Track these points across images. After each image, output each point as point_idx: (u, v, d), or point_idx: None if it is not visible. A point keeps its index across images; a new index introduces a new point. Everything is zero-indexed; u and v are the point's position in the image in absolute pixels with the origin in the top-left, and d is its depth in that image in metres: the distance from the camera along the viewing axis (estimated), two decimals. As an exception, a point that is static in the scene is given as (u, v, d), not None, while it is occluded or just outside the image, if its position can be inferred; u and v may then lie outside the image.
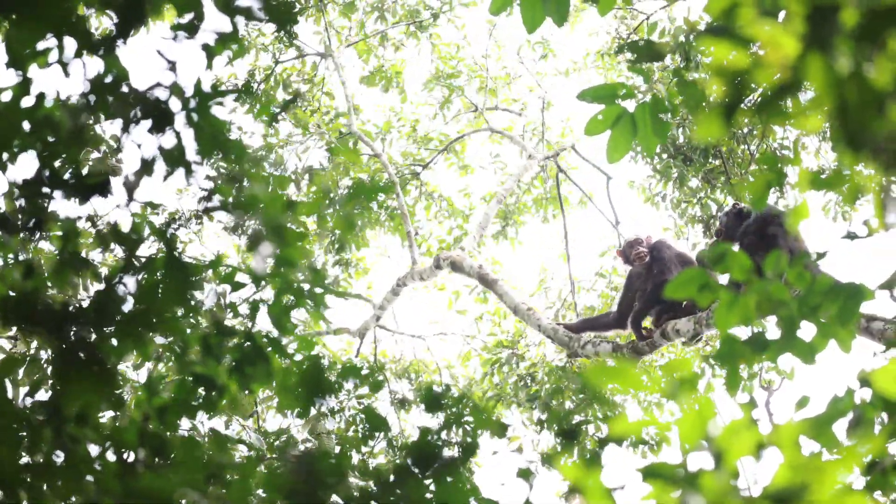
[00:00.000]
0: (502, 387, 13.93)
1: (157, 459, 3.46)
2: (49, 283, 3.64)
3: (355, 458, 3.43)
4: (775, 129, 13.01)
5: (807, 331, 3.33)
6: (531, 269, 15.93)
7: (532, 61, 17.37)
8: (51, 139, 3.59)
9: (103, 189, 3.69)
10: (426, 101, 17.33)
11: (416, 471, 3.29)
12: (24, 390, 3.82)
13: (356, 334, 14.78)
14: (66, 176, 3.62)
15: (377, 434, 3.42)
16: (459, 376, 15.76)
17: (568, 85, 17.53)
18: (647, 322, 10.45)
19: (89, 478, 3.32)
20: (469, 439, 3.36)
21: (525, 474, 3.21)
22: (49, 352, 3.55)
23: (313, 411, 3.60)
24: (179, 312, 3.56)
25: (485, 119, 16.84)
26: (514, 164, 16.87)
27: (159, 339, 3.62)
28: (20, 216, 3.63)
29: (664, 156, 13.48)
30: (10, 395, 3.68)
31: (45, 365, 3.95)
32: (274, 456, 3.51)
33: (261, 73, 15.69)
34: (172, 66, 3.70)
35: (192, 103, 3.66)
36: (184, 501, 3.30)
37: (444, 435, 3.33)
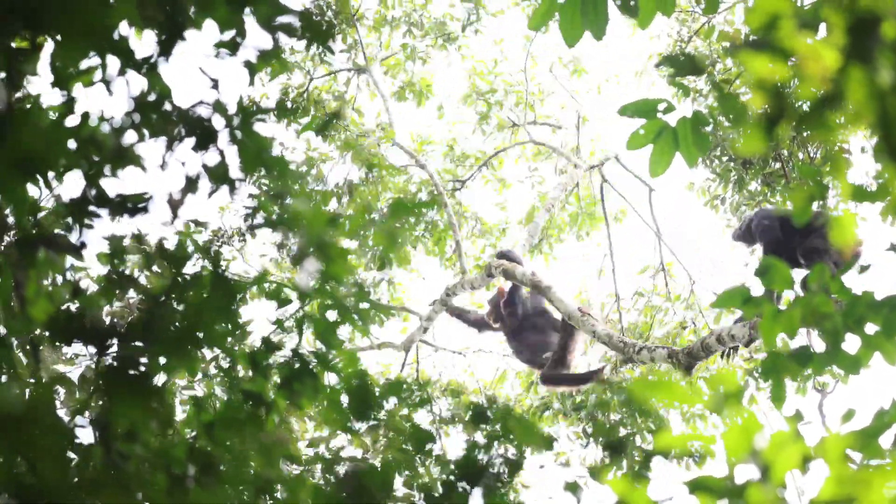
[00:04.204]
0: (548, 398, 13.91)
1: (205, 475, 3.49)
2: (97, 302, 3.67)
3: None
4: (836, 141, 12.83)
5: (852, 343, 3.34)
6: (567, 287, 15.87)
7: (565, 78, 17.37)
8: (96, 158, 3.63)
9: (146, 207, 3.73)
10: (462, 118, 17.30)
11: (463, 486, 3.32)
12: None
13: (401, 348, 14.68)
14: (112, 194, 3.65)
15: (425, 448, 3.44)
16: (497, 397, 15.68)
17: (602, 101, 17.53)
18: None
19: (139, 494, 3.35)
20: (515, 453, 3.37)
21: (573, 488, 3.23)
22: (97, 370, 3.59)
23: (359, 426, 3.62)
24: (225, 329, 3.59)
25: (526, 131, 16.79)
26: (551, 179, 16.81)
27: (207, 356, 3.65)
28: (67, 235, 3.66)
29: (724, 158, 13.44)
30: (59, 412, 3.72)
31: (92, 385, 3.98)
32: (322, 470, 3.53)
33: (293, 90, 15.71)
34: (215, 84, 3.73)
35: (236, 120, 3.69)
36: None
37: (490, 450, 3.35)
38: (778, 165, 13.26)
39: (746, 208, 13.54)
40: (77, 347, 3.81)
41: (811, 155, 13.13)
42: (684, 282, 14.70)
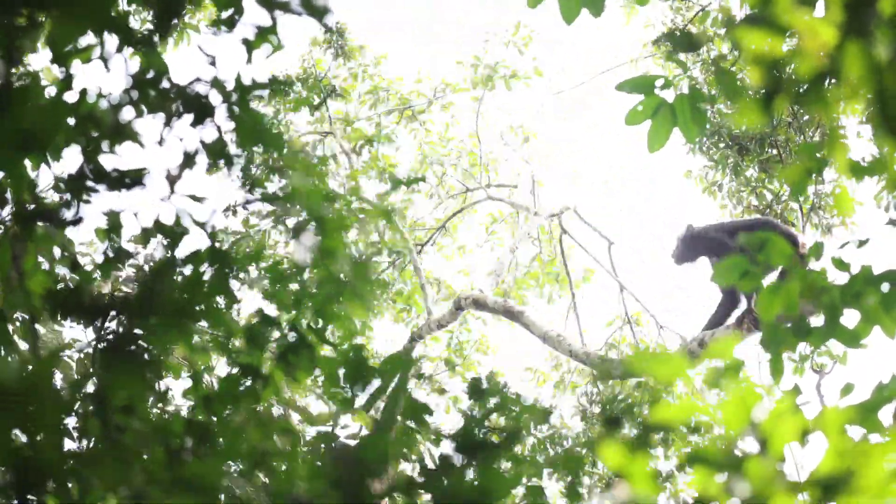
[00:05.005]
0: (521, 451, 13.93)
1: (202, 448, 3.49)
2: (95, 276, 3.68)
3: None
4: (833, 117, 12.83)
5: (851, 317, 3.35)
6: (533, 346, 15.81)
7: (516, 144, 17.36)
8: (94, 134, 3.63)
9: (142, 182, 3.72)
10: (416, 188, 17.16)
11: (460, 458, 3.31)
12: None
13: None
14: (109, 170, 3.65)
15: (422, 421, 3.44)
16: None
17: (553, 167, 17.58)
18: None
19: (136, 467, 3.35)
20: (511, 426, 3.37)
21: (574, 462, 3.23)
22: (94, 343, 3.59)
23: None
24: (222, 303, 3.59)
25: (484, 190, 16.68)
26: (509, 242, 16.65)
27: (204, 329, 3.65)
28: (65, 210, 3.66)
29: (720, 145, 13.47)
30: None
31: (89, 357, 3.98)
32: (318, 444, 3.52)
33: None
34: (213, 61, 3.73)
35: (233, 97, 3.69)
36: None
37: (486, 422, 3.35)
38: (774, 152, 13.28)
39: (745, 194, 13.56)
40: (77, 331, 3.82)
41: (808, 140, 13.14)
42: (653, 329, 14.70)
